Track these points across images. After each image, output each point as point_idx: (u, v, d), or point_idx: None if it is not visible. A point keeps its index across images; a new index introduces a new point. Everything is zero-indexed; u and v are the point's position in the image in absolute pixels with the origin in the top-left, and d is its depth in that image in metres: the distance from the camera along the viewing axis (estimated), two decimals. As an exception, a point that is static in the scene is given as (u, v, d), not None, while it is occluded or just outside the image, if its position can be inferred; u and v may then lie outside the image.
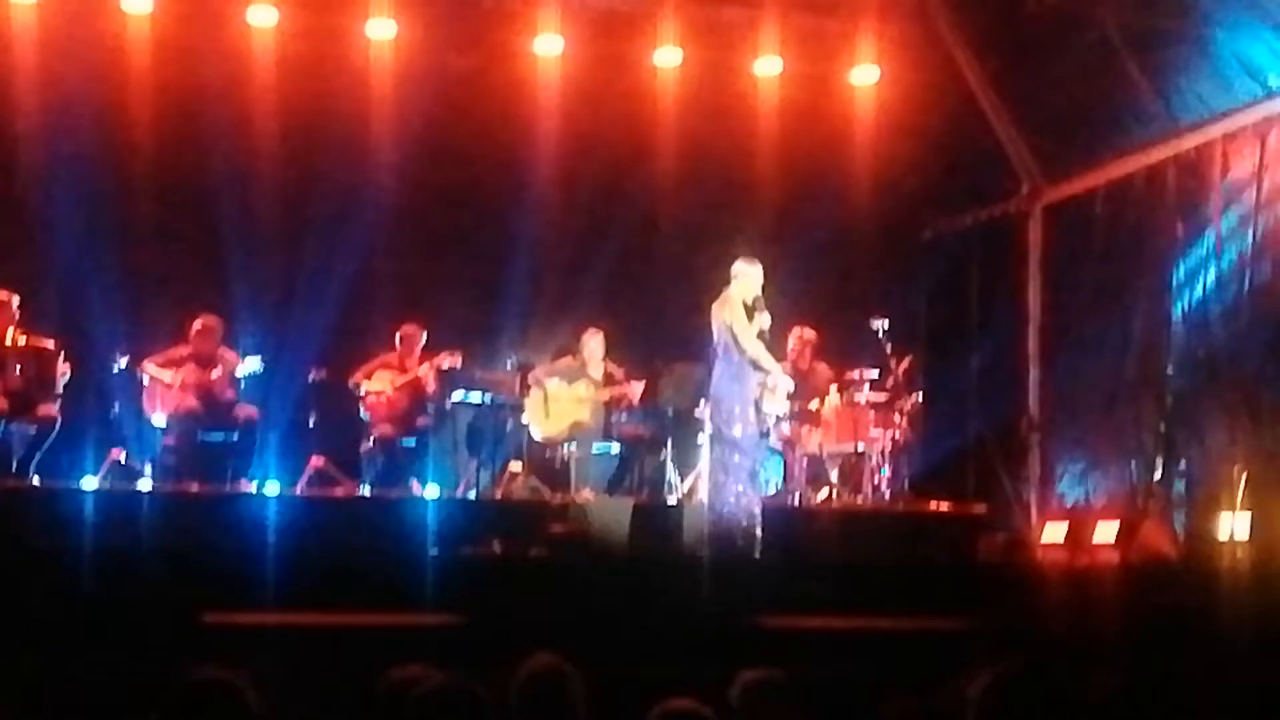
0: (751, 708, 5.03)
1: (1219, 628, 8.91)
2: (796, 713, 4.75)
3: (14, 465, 11.58)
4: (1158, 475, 13.11)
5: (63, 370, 11.90)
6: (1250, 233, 12.46)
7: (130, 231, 13.48)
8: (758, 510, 11.03)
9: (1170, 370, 13.17)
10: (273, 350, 13.11)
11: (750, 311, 11.09)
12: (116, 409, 12.67)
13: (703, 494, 11.90)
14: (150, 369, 12.54)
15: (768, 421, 11.58)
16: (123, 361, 12.47)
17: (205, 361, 12.61)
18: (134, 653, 6.90)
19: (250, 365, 12.70)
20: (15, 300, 11.84)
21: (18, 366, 11.70)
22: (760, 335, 11.13)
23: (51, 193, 13.10)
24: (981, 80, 14.54)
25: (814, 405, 13.25)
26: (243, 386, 12.83)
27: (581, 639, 5.35)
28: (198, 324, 12.63)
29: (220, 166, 13.59)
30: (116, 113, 13.22)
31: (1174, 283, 13.16)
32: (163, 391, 12.54)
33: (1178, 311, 13.13)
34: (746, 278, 11.18)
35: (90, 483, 11.73)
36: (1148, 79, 13.19)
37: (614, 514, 11.28)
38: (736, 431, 11.06)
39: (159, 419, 12.55)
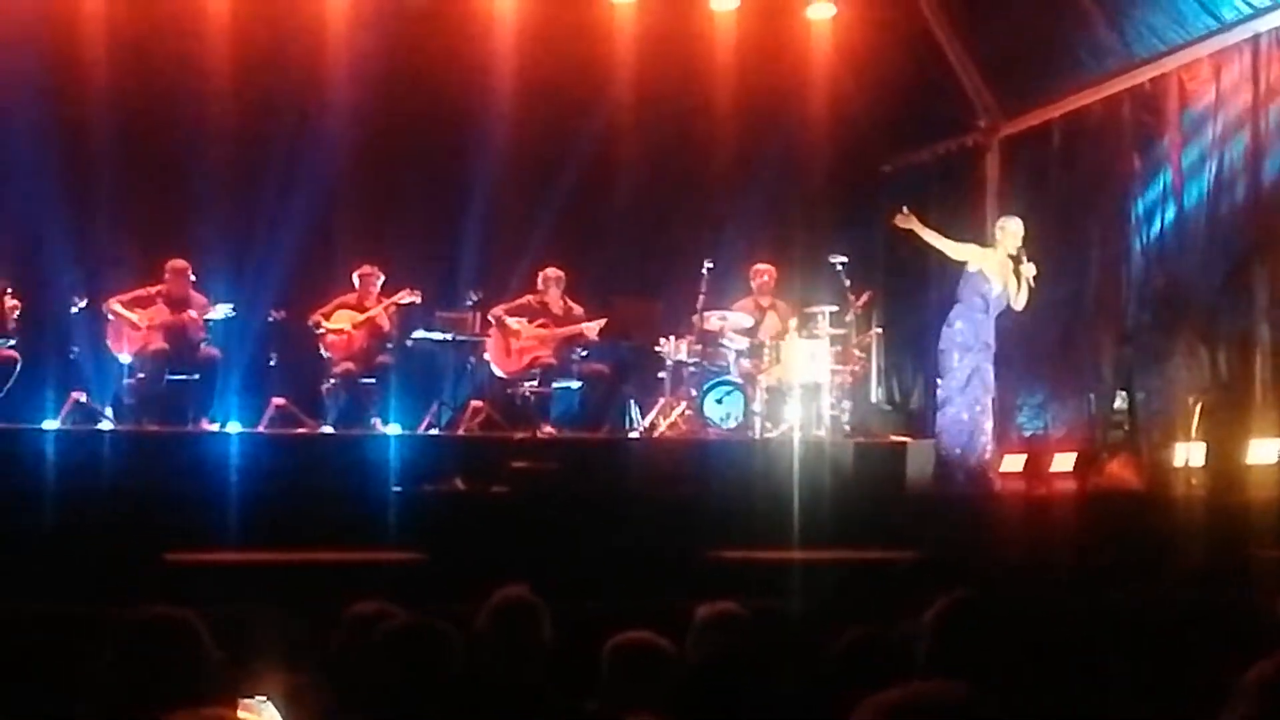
0: (708, 640, 5.08)
1: (1174, 555, 9.00)
2: (752, 645, 4.81)
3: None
4: (1116, 405, 13.20)
5: (12, 306, 11.89)
6: (1207, 164, 12.51)
7: (86, 175, 13.43)
8: (983, 448, 12.09)
9: (1128, 302, 13.25)
10: (233, 291, 13.10)
11: (1015, 261, 12.10)
12: (76, 351, 12.64)
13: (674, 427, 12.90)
14: (117, 308, 12.53)
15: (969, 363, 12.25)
16: (82, 303, 12.45)
17: (176, 303, 12.61)
18: (96, 594, 6.90)
19: (221, 311, 12.71)
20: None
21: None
22: (1025, 283, 12.13)
23: (6, 134, 13.02)
24: (937, 14, 14.53)
25: (773, 340, 13.31)
26: (209, 329, 12.83)
27: (542, 574, 5.38)
28: (170, 266, 12.64)
29: (176, 108, 13.58)
30: (71, 54, 13.18)
31: (1132, 215, 13.21)
32: (129, 331, 12.53)
33: (1135, 243, 13.18)
34: (1008, 233, 12.21)
35: (51, 424, 11.72)
36: (1102, 12, 13.20)
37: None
38: (957, 375, 12.10)
39: (124, 358, 12.54)
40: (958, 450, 12.06)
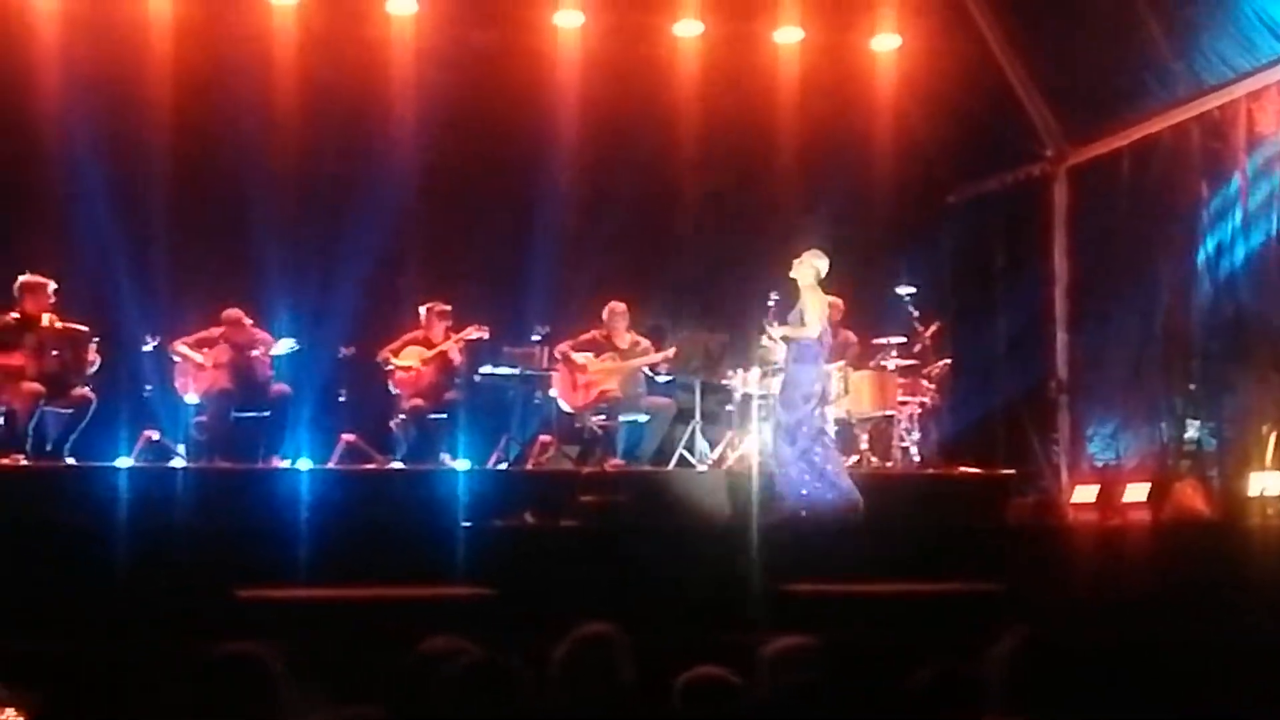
0: (779, 675, 5.07)
1: (1250, 586, 8.90)
2: (824, 680, 4.79)
3: (50, 446, 11.63)
4: (1188, 435, 13.11)
5: (92, 359, 12.00)
6: (1276, 192, 12.43)
7: (160, 217, 13.55)
8: (843, 484, 11.27)
9: (1198, 329, 13.16)
10: (302, 328, 13.17)
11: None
12: (149, 390, 12.73)
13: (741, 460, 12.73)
14: (182, 349, 12.62)
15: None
16: (154, 342, 12.55)
17: (240, 345, 12.68)
18: (169, 631, 6.95)
19: (285, 346, 12.78)
20: (51, 286, 11.89)
21: (54, 350, 11.77)
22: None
23: (81, 180, 13.16)
24: (1003, 43, 14.50)
25: (842, 372, 13.26)
26: (276, 365, 12.90)
27: (611, 608, 5.38)
28: (225, 317, 12.67)
29: (246, 149, 13.63)
30: (141, 98, 13.29)
31: (1200, 243, 13.14)
32: (195, 370, 12.61)
33: (1204, 270, 13.11)
34: (800, 266, 11.58)
35: (125, 462, 11.82)
36: (1169, 39, 13.14)
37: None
38: (799, 412, 11.35)
39: (191, 398, 12.64)
40: (799, 499, 11.45)
